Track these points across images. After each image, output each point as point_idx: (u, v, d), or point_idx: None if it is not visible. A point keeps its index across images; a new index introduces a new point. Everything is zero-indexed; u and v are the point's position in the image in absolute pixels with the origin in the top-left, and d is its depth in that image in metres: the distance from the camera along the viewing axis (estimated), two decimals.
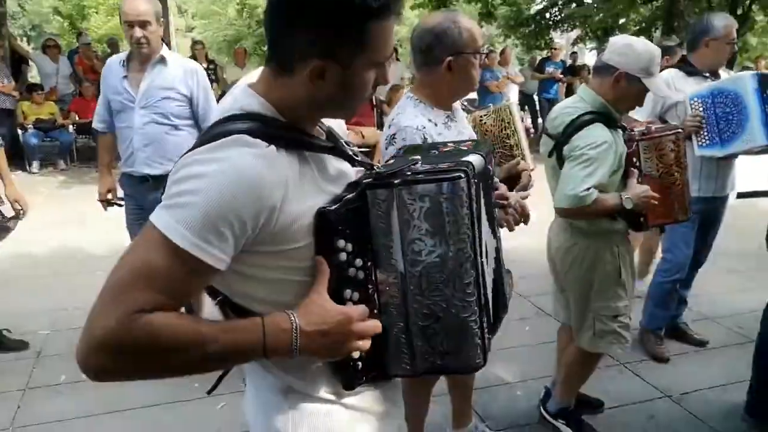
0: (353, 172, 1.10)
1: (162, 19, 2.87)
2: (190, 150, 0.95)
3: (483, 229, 1.10)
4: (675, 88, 3.09)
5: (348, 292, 1.01)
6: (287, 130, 0.99)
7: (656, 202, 2.24)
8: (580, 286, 2.40)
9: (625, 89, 2.22)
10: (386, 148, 1.89)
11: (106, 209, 3.17)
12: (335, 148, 1.07)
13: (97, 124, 3.09)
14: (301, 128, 1.02)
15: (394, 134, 1.86)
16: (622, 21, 15.51)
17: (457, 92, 2.00)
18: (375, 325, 1.01)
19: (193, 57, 9.47)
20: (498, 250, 1.32)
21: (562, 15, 18.25)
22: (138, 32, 2.74)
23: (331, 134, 1.13)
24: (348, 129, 9.32)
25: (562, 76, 10.96)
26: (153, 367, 0.90)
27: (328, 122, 1.14)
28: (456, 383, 2.45)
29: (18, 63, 9.31)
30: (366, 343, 1.00)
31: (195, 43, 10.24)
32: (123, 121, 2.93)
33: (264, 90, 1.01)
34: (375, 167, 1.09)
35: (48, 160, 8.52)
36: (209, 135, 0.96)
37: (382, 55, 1.00)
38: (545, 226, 2.57)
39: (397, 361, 1.07)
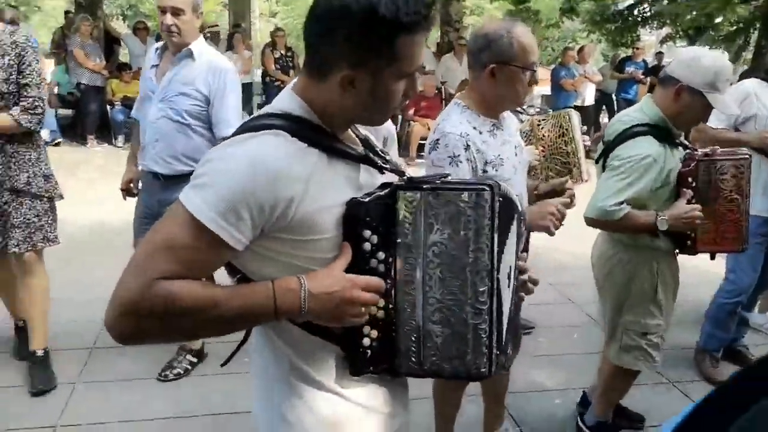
0: (383, 178, 1.14)
1: (201, 12, 2.70)
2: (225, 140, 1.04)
3: (506, 251, 1.13)
4: (757, 98, 2.94)
5: None
6: (318, 132, 1.06)
7: (700, 224, 2.15)
8: (614, 298, 2.37)
9: (686, 104, 2.13)
10: (429, 153, 1.92)
11: (125, 198, 3.09)
12: (365, 157, 1.12)
13: (134, 112, 3.01)
14: (332, 132, 1.08)
15: (438, 140, 1.88)
16: (717, 20, 14.61)
17: (502, 103, 1.96)
18: (374, 297, 1.06)
19: (273, 43, 9.76)
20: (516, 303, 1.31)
21: (652, 12, 17.42)
22: (169, 19, 2.58)
23: (366, 142, 1.18)
24: (416, 120, 9.35)
25: (642, 76, 10.47)
26: (171, 330, 0.99)
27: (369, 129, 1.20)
28: (487, 384, 2.46)
29: (111, 43, 9.89)
30: (365, 315, 1.05)
31: (276, 29, 10.50)
32: (143, 111, 2.84)
33: (301, 91, 1.08)
34: (406, 175, 1.14)
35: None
36: (242, 128, 1.04)
37: (412, 67, 1.04)
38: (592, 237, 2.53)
39: (405, 358, 1.11)
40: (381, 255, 1.07)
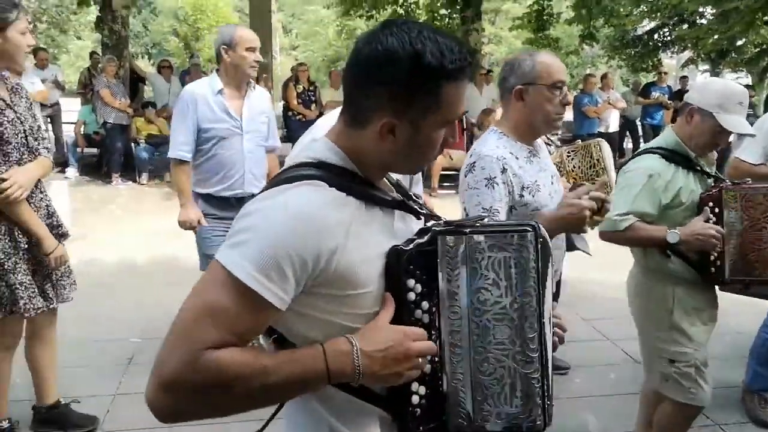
0: (419, 224, 1.11)
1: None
2: (260, 192, 1.01)
3: (547, 294, 1.08)
4: None
5: None
6: (355, 180, 1.02)
7: (716, 242, 2.11)
8: (638, 322, 2.39)
9: (697, 125, 2.18)
10: (465, 176, 1.90)
11: (196, 233, 3.17)
12: (402, 202, 1.08)
13: (185, 154, 3.02)
14: (368, 180, 1.05)
15: (474, 162, 1.87)
16: (739, 43, 14.47)
17: (534, 126, 1.95)
18: (430, 346, 1.00)
19: (295, 77, 9.87)
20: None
21: (673, 36, 17.34)
22: (258, 56, 3.00)
23: (399, 186, 1.14)
24: None
25: (669, 101, 10.34)
26: (217, 404, 0.92)
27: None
28: None
29: (136, 82, 10.12)
30: (423, 365, 1.00)
31: (299, 64, 10.63)
32: (227, 148, 3.02)
33: (337, 138, 1.05)
34: (441, 220, 1.10)
35: (156, 172, 9.14)
36: (277, 180, 1.01)
37: (454, 115, 1.01)
38: (628, 264, 2.46)
39: (455, 415, 1.05)
40: (425, 305, 1.03)
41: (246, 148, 3.05)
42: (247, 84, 3.05)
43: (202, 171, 3.09)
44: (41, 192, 2.51)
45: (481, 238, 1.02)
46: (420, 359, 0.99)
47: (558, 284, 2.09)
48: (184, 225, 3.12)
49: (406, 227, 1.08)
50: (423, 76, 0.95)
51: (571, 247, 2.60)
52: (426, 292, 1.02)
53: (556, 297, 1.45)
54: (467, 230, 1.03)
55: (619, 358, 3.68)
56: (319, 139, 1.08)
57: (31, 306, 2.42)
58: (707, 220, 2.16)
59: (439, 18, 13.74)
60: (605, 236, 2.23)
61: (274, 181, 1.01)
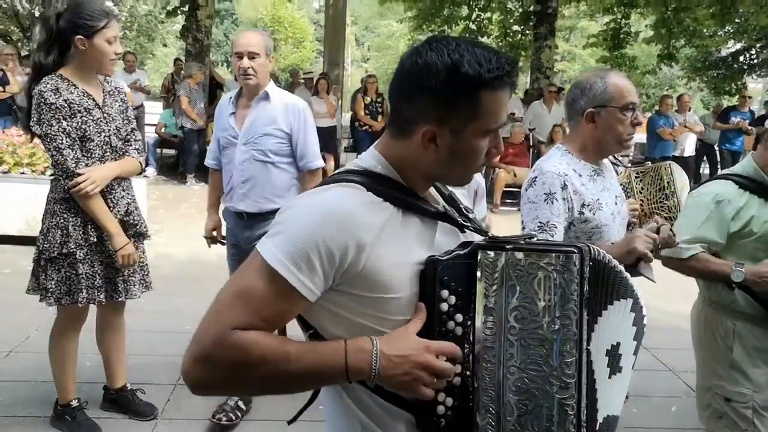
0: (464, 237, 1.11)
1: (271, 56, 2.83)
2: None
3: (604, 326, 1.06)
4: None
5: None
6: (400, 189, 1.05)
7: None
8: (697, 356, 2.31)
9: None
10: (525, 190, 1.92)
11: (210, 246, 3.17)
12: (443, 214, 1.10)
13: (209, 161, 3.06)
14: (412, 189, 1.07)
15: (536, 177, 1.89)
16: None
17: (604, 147, 1.94)
18: (450, 367, 1.00)
19: (364, 88, 10.04)
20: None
21: (760, 59, 16.50)
22: (245, 62, 2.72)
23: (450, 199, 1.16)
24: (502, 167, 9.22)
25: (750, 127, 9.82)
26: (242, 382, 0.98)
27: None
28: None
29: (214, 88, 10.57)
30: (440, 383, 1.00)
31: (369, 76, 10.81)
32: (226, 157, 2.90)
33: (383, 149, 1.09)
34: (488, 235, 1.10)
35: None
36: (321, 183, 1.06)
37: (495, 124, 1.03)
38: (693, 294, 2.37)
39: (483, 430, 1.04)
40: (459, 317, 1.02)
41: (238, 158, 2.81)
42: (265, 95, 2.79)
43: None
44: (124, 190, 2.61)
45: (522, 255, 1.01)
46: (436, 379, 0.99)
47: None
48: (205, 235, 3.12)
49: (448, 241, 1.09)
50: (461, 85, 0.98)
51: (634, 273, 2.53)
52: (461, 305, 1.01)
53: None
54: (509, 246, 1.02)
55: (681, 390, 3.52)
56: (367, 150, 1.12)
57: (90, 297, 2.52)
58: None
59: (511, 34, 13.63)
60: (668, 262, 2.16)
61: (320, 183, 1.07)
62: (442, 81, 0.98)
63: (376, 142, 1.12)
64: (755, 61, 16.77)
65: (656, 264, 2.33)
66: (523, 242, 1.05)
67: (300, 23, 29.98)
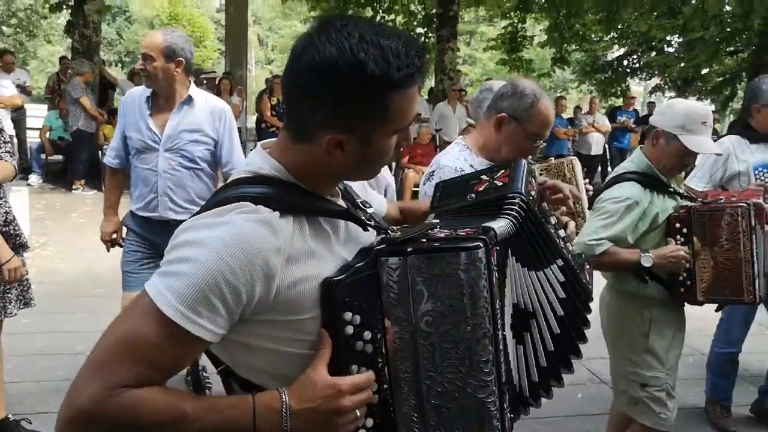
0: (367, 235, 1.05)
1: (180, 59, 2.64)
2: (195, 214, 0.93)
3: (507, 294, 1.05)
4: (737, 157, 2.94)
5: (354, 368, 0.95)
6: (298, 193, 0.96)
7: (686, 264, 2.17)
8: (611, 344, 2.38)
9: (662, 147, 2.21)
10: (424, 184, 1.92)
11: (109, 250, 3.01)
12: (347, 212, 1.02)
13: (111, 160, 2.89)
14: (314, 191, 0.99)
15: (433, 171, 1.90)
16: (704, 71, 14.94)
17: (499, 153, 1.92)
18: (367, 396, 0.94)
19: (270, 90, 9.80)
20: (569, 271, 1.27)
21: (641, 63, 17.82)
22: (139, 64, 2.66)
23: (347, 193, 1.09)
24: (411, 167, 9.32)
25: (634, 125, 10.60)
26: None
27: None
28: None
29: (105, 89, 9.92)
30: (360, 418, 0.94)
31: (275, 76, 10.57)
32: (145, 162, 2.73)
33: (280, 153, 0.98)
34: (389, 232, 1.04)
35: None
36: (215, 199, 0.94)
37: (405, 123, 0.96)
38: (599, 284, 2.42)
39: None
40: (367, 334, 0.96)
41: (163, 166, 2.69)
42: (188, 99, 2.69)
43: (130, 183, 2.87)
44: (0, 198, 2.39)
45: (425, 257, 0.96)
46: (358, 411, 0.93)
47: None
48: (101, 238, 2.97)
49: (358, 233, 1.03)
50: (368, 88, 0.88)
51: None
52: (368, 321, 0.95)
53: None
54: (410, 249, 0.97)
55: (585, 377, 3.67)
56: (255, 152, 1.01)
57: None
58: (676, 242, 2.19)
59: (415, 36, 13.86)
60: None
61: (210, 202, 0.94)
62: (346, 84, 0.88)
63: (273, 143, 1.01)
64: (637, 65, 18.10)
65: None
66: (424, 240, 0.99)
67: (200, 21, 28.93)
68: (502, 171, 1.32)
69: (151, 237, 2.82)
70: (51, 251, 5.48)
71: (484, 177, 1.32)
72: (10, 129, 6.99)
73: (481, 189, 1.26)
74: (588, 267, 1.48)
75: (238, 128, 10.25)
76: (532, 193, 1.26)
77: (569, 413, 3.22)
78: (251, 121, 11.26)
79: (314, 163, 0.96)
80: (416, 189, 8.70)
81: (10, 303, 2.43)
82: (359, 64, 0.86)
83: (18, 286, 2.46)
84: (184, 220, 2.85)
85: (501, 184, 1.25)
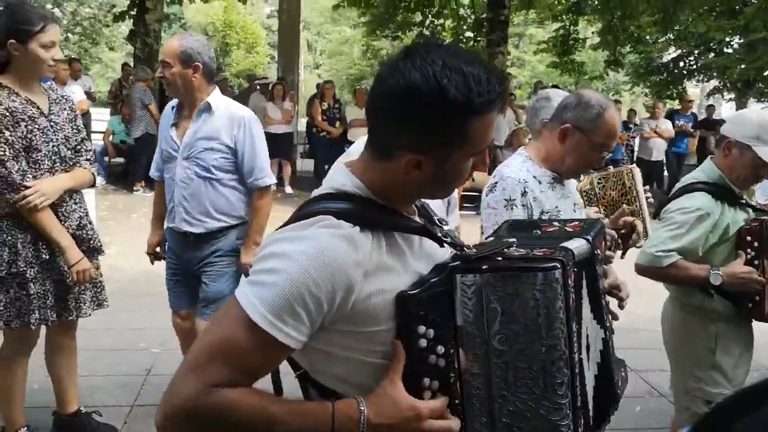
0: (443, 251, 1.08)
1: (197, 64, 2.57)
2: (282, 226, 0.99)
3: (584, 322, 1.04)
4: None
5: (426, 381, 0.98)
6: (377, 210, 1.00)
7: (758, 287, 2.09)
8: (673, 359, 2.33)
9: (736, 159, 2.15)
10: (486, 195, 1.93)
11: (153, 263, 3.01)
12: (423, 228, 1.06)
13: (153, 172, 2.90)
14: (392, 208, 1.03)
15: (496, 183, 1.90)
16: (766, 73, 14.32)
17: (563, 164, 1.92)
18: (447, 426, 0.97)
19: (321, 94, 9.96)
20: (607, 342, 1.24)
21: (698, 64, 17.23)
22: (159, 71, 2.68)
23: (424, 210, 1.13)
24: None
25: (692, 129, 10.26)
26: None
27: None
28: None
29: (164, 94, 10.28)
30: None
31: (326, 82, 10.73)
32: (169, 172, 2.72)
33: (361, 171, 1.03)
34: (465, 248, 1.06)
35: None
36: (300, 213, 1.00)
37: (483, 146, 0.99)
38: (659, 295, 2.42)
39: None
40: (440, 349, 0.98)
41: (179, 174, 2.64)
42: (206, 107, 2.61)
43: None
44: (75, 203, 2.48)
45: (500, 277, 0.97)
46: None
47: None
48: (148, 251, 2.95)
49: (432, 250, 1.06)
50: (449, 114, 0.92)
51: None
52: (440, 336, 0.97)
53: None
54: (486, 267, 0.98)
55: (643, 390, 3.59)
56: (339, 169, 1.06)
57: (43, 318, 2.38)
58: (747, 255, 2.13)
59: (464, 41, 13.80)
60: (643, 270, 2.17)
61: (295, 215, 1.00)
62: (430, 111, 0.92)
63: (356, 160, 1.06)
64: (694, 66, 17.51)
65: (619, 264, 2.37)
66: (500, 258, 1.01)
67: (252, 28, 29.57)
68: (576, 222, 1.32)
69: (176, 249, 2.82)
70: (114, 251, 5.70)
71: (555, 223, 1.33)
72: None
73: (549, 230, 1.26)
74: (624, 371, 1.36)
75: (290, 132, 10.35)
76: (599, 252, 1.24)
77: (627, 426, 3.16)
78: (302, 125, 11.47)
79: (392, 182, 1.00)
80: (466, 193, 8.66)
81: (84, 303, 2.53)
82: (442, 90, 0.91)
83: (92, 287, 2.56)
84: (198, 234, 2.61)
85: (572, 230, 1.22)
